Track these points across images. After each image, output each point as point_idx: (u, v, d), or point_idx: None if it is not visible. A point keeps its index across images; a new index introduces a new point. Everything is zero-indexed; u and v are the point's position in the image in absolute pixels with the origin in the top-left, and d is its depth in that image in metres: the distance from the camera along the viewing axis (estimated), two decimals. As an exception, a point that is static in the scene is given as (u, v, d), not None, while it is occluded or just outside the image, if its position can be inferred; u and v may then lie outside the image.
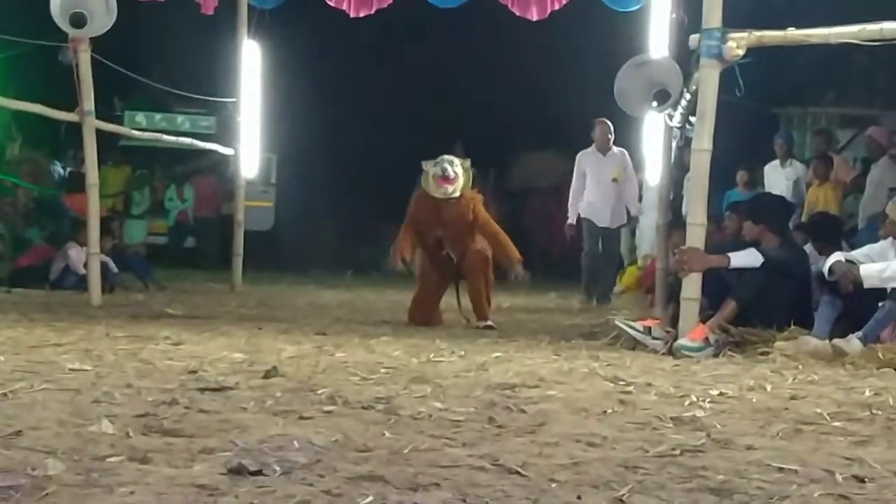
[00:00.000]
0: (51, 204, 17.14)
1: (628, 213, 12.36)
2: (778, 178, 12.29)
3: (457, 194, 9.14)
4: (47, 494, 2.79)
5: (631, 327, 7.40)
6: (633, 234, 14.89)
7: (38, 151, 18.02)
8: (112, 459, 3.25)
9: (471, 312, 9.14)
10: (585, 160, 12.32)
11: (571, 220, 12.37)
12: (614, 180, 12.02)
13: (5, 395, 4.42)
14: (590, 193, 12.18)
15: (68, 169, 18.24)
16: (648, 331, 7.32)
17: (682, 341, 6.90)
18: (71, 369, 5.33)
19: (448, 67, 20.52)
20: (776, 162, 12.57)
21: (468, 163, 9.29)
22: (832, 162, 12.01)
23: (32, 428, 3.69)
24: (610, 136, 12.20)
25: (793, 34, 7.08)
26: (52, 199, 17.36)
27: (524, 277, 9.40)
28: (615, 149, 12.21)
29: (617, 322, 7.73)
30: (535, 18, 12.67)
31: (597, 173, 12.10)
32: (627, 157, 12.32)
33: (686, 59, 8.37)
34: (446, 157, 9.23)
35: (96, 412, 4.05)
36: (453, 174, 9.08)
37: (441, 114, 19.85)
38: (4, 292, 11.95)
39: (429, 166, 9.20)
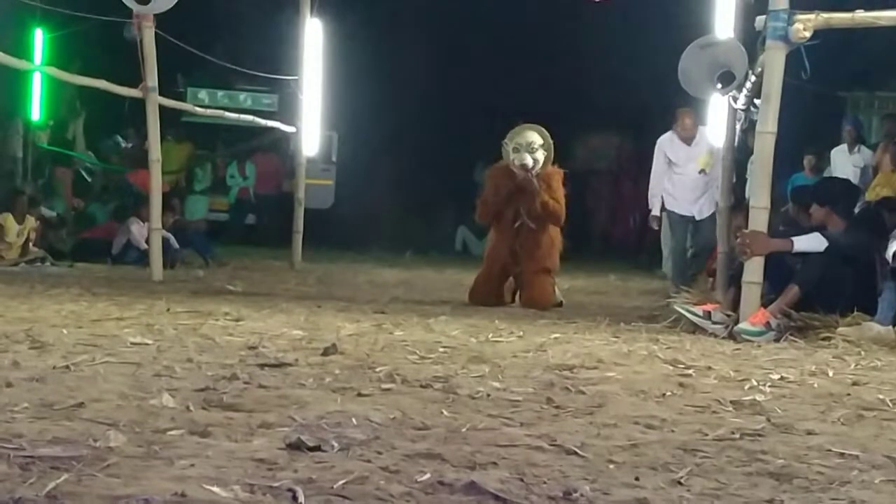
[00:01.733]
0: (114, 180, 17.34)
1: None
2: (846, 164, 12.11)
3: (536, 172, 9.08)
4: (108, 465, 2.81)
5: (690, 312, 7.35)
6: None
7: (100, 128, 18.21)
8: (172, 432, 3.28)
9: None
10: (669, 148, 11.21)
11: (655, 211, 11.25)
12: (702, 171, 11.05)
13: (68, 367, 4.47)
14: (674, 185, 11.14)
15: (129, 144, 18.40)
16: (708, 315, 7.26)
17: (742, 325, 6.84)
18: (132, 343, 5.38)
19: (509, 47, 20.42)
20: (844, 147, 12.39)
21: (547, 134, 9.16)
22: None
23: (94, 400, 3.73)
24: (697, 125, 11.17)
25: (861, 16, 6.98)
26: (116, 175, 17.57)
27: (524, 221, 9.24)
28: (700, 134, 11.17)
29: (676, 307, 7.68)
30: (598, -1, 12.54)
31: (682, 164, 11.13)
32: (713, 141, 11.08)
33: (752, 40, 8.27)
34: (526, 141, 9.11)
35: (157, 386, 4.08)
36: (531, 163, 9.03)
37: (502, 93, 19.78)
38: (67, 266, 12.09)
39: (509, 145, 9.12)
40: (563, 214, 9.22)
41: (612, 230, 20.79)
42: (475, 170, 18.56)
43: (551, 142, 9.21)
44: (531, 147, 9.06)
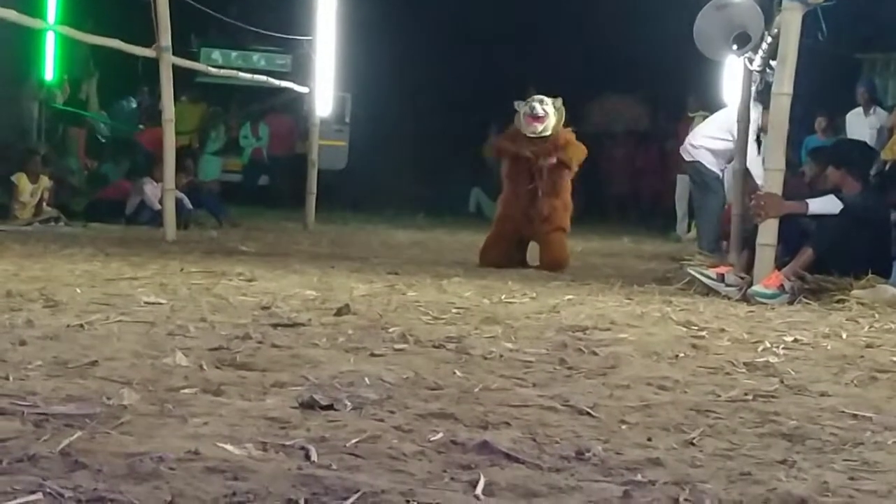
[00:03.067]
0: (124, 140, 17.34)
1: None
2: (861, 127, 12.04)
3: (547, 132, 9.05)
4: (122, 423, 2.82)
5: (703, 274, 7.33)
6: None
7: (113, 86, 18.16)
8: (186, 391, 3.29)
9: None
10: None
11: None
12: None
13: (82, 326, 4.49)
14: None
15: (141, 103, 18.38)
16: (721, 278, 7.25)
17: (756, 287, 6.82)
18: (146, 303, 5.39)
19: (522, 9, 20.35)
20: (859, 110, 12.32)
21: (560, 101, 9.16)
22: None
23: (108, 359, 3.74)
24: None
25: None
26: (126, 134, 17.57)
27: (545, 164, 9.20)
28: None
29: (689, 270, 7.66)
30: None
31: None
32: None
33: (768, 1, 8.22)
34: (537, 96, 9.13)
35: (171, 345, 4.09)
36: (543, 112, 9.00)
37: (514, 55, 19.72)
38: (81, 226, 12.12)
39: (520, 105, 9.13)
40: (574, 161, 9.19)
41: (629, 195, 20.71)
42: (489, 130, 18.49)
43: (563, 108, 9.18)
44: (542, 101, 9.04)
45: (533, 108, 8.99)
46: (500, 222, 9.33)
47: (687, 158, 11.01)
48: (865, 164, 7.92)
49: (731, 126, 9.94)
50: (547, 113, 9.02)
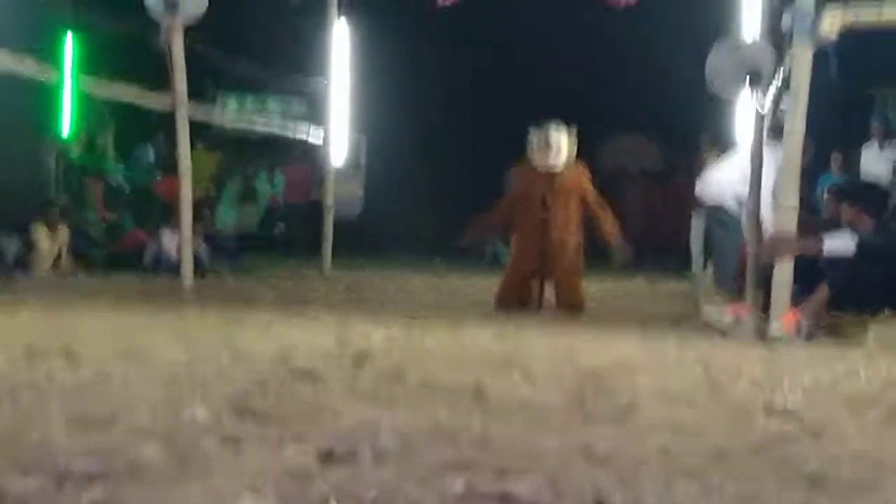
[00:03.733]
0: (142, 190, 17.41)
1: None
2: (877, 162, 12.06)
3: (558, 169, 9.07)
4: (143, 478, 2.83)
5: (719, 315, 7.33)
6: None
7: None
8: (205, 443, 3.30)
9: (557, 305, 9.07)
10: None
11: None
12: None
13: (101, 379, 4.50)
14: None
15: (158, 152, 18.47)
16: (738, 318, 7.25)
17: (773, 327, 6.81)
18: (165, 354, 5.40)
19: (538, 49, 20.42)
20: (874, 143, 12.34)
21: (573, 132, 9.19)
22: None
23: (128, 412, 3.75)
24: None
25: (889, 12, 6.95)
26: (143, 185, 17.64)
27: (626, 252, 9.33)
28: None
29: (705, 310, 7.66)
30: (623, 2, 12.56)
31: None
32: None
33: (778, 39, 8.24)
34: (552, 125, 9.15)
35: (190, 396, 4.10)
36: (556, 142, 9.02)
37: (531, 96, 19.76)
38: (100, 277, 12.15)
39: (535, 133, 9.15)
40: (607, 207, 9.41)
41: (644, 236, 20.67)
42: (503, 175, 18.50)
43: (575, 140, 9.21)
44: (557, 130, 9.06)
45: (547, 136, 8.99)
46: (515, 265, 9.33)
47: (708, 201, 10.98)
48: (880, 201, 7.93)
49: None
50: (560, 146, 9.03)
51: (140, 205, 16.52)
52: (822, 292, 7.03)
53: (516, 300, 9.06)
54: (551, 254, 9.07)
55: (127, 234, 14.71)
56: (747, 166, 9.99)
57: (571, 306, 8.89)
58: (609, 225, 9.32)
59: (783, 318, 6.84)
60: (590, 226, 9.39)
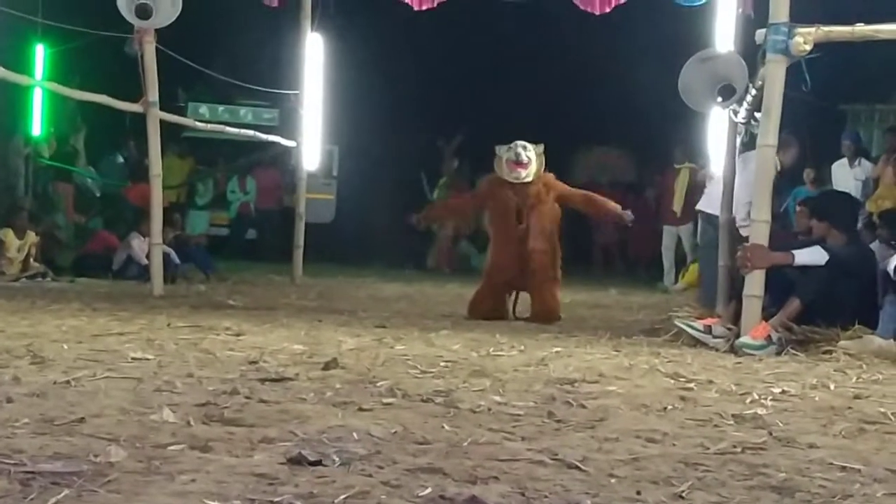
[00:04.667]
0: (112, 195, 17.35)
1: None
2: (847, 178, 12.12)
3: (529, 179, 9.13)
4: (109, 481, 2.81)
5: (691, 326, 7.34)
6: (695, 232, 14.71)
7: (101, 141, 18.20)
8: (173, 448, 3.28)
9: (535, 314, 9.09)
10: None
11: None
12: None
13: (68, 382, 4.47)
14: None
15: (129, 158, 18.40)
16: (709, 329, 7.26)
17: (744, 339, 6.83)
18: (133, 358, 5.38)
19: (510, 61, 20.47)
20: (844, 161, 12.40)
21: (541, 148, 9.25)
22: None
23: (95, 415, 3.72)
24: None
25: (861, 29, 6.99)
26: (114, 189, 17.58)
27: (629, 216, 9.73)
28: None
29: (676, 322, 7.67)
30: (597, 13, 12.61)
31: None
32: None
33: (752, 53, 8.28)
34: (520, 142, 9.20)
35: (158, 401, 4.08)
36: (527, 159, 9.08)
37: (503, 107, 19.80)
38: (68, 282, 12.09)
39: (502, 151, 9.20)
40: (590, 193, 9.95)
41: (614, 248, 20.69)
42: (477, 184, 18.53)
43: (543, 155, 9.28)
44: (525, 147, 9.14)
45: (518, 155, 9.07)
46: (490, 274, 9.34)
47: (709, 211, 10.79)
48: (850, 216, 7.96)
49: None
50: (530, 159, 9.10)
51: (110, 210, 16.46)
52: (793, 305, 7.05)
53: (490, 309, 9.07)
54: (527, 264, 9.10)
55: (95, 234, 14.63)
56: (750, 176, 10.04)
57: (545, 316, 8.90)
58: (606, 205, 9.74)
59: (754, 329, 6.86)
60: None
